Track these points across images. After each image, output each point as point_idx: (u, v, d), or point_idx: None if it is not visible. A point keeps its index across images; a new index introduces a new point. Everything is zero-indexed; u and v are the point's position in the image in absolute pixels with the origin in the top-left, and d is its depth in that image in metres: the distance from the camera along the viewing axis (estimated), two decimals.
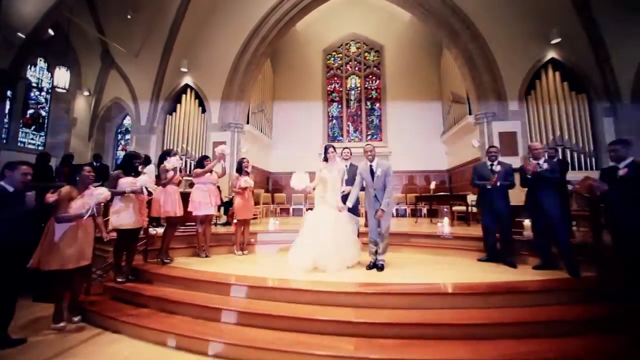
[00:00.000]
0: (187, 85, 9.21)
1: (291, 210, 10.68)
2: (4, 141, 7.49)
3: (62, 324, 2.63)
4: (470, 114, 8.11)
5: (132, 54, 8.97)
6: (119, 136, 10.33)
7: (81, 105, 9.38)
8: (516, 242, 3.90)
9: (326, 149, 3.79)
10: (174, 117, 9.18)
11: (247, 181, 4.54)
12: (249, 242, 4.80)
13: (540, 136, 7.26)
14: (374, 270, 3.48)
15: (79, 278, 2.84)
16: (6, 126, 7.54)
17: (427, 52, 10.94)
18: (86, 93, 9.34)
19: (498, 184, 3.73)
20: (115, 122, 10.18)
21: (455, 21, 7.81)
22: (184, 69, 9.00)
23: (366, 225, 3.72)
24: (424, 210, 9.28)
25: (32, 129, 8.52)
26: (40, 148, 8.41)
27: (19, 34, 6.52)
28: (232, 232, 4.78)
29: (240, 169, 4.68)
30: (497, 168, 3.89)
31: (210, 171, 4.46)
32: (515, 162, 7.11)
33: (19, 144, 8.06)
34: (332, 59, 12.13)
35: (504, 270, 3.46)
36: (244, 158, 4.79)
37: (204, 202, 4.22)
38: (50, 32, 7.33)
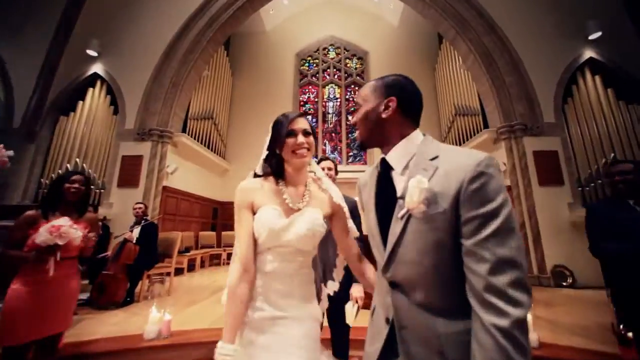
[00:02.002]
0: (96, 76, 6.44)
1: None
2: None
3: None
4: (486, 127, 6.07)
5: (10, 27, 6.17)
6: None
7: None
8: None
9: (278, 126, 0.98)
10: (71, 118, 6.25)
11: (62, 232, 1.69)
12: None
13: (588, 158, 5.25)
14: None
15: None
16: None
17: (419, 59, 9.21)
18: None
19: None
20: None
21: (463, 9, 6.01)
22: (92, 53, 6.30)
23: None
24: None
25: None
26: None
27: None
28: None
29: (54, 198, 1.87)
30: None
31: None
32: (562, 194, 4.98)
33: None
34: (307, 64, 10.06)
35: None
36: (72, 173, 1.98)
37: None
38: None
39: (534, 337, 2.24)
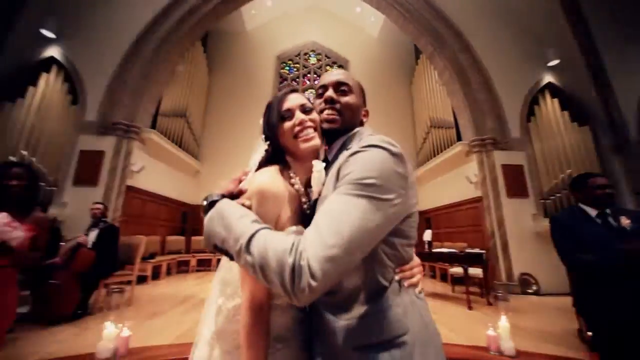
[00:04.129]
0: (52, 60, 5.78)
1: (215, 263, 7.30)
2: None
3: None
4: (460, 139, 6.38)
5: None
6: None
7: None
8: None
9: (269, 111, 0.80)
10: (19, 105, 5.51)
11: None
12: None
13: (549, 173, 5.70)
14: None
15: None
16: None
17: (397, 71, 9.56)
18: None
19: None
20: None
21: (441, 27, 6.33)
22: (48, 34, 5.65)
23: None
24: None
25: None
26: None
27: None
28: None
29: None
30: (626, 222, 1.66)
31: None
32: (526, 205, 5.33)
33: None
34: (287, 68, 9.98)
35: None
36: (9, 165, 1.66)
37: None
38: None
39: (510, 345, 2.28)
